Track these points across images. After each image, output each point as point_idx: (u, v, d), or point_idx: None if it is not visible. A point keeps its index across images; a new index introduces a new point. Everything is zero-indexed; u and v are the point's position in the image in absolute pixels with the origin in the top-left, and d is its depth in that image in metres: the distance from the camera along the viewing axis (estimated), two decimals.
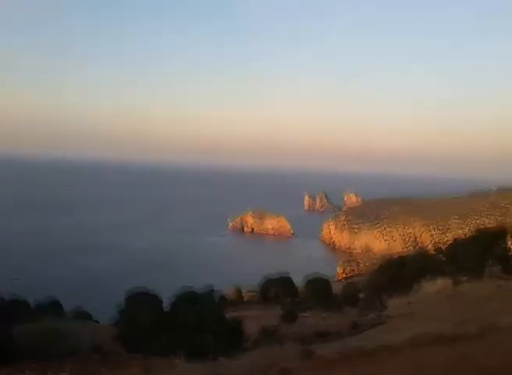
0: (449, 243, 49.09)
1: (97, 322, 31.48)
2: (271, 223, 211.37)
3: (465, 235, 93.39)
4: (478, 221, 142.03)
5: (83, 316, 31.38)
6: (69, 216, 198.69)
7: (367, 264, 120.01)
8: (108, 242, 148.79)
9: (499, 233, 34.74)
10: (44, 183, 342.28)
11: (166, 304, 29.70)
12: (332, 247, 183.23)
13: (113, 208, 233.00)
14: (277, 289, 35.45)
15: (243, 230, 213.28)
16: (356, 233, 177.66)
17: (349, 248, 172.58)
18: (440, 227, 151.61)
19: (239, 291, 54.53)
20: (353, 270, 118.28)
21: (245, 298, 51.55)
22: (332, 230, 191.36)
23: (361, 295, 28.77)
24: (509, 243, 35.09)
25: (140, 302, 25.93)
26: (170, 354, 17.90)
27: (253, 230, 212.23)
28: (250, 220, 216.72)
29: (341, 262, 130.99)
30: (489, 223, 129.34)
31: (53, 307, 30.89)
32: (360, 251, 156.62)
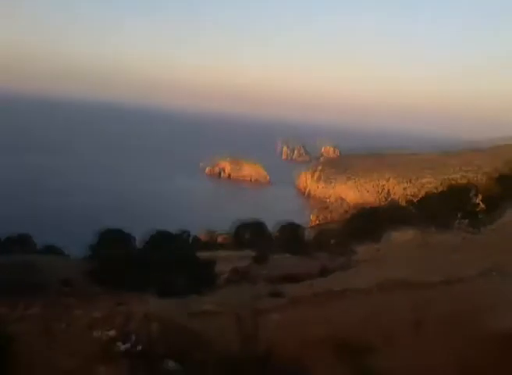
0: (420, 197, 50.22)
1: (68, 256, 31.49)
2: (248, 170, 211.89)
3: (437, 190, 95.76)
4: (450, 177, 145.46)
5: (53, 250, 31.26)
6: (43, 155, 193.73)
7: (340, 213, 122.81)
8: (81, 184, 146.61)
9: (469, 190, 35.65)
10: (33, 124, 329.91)
11: (139, 243, 29.89)
12: (307, 196, 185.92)
13: (93, 152, 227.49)
14: (250, 233, 35.99)
15: (219, 175, 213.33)
16: (331, 183, 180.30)
17: (323, 197, 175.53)
18: (413, 181, 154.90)
19: (212, 235, 55.22)
20: (326, 218, 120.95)
21: (218, 241, 52.29)
22: (308, 180, 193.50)
23: (332, 241, 29.51)
24: (477, 199, 36.13)
25: (113, 239, 26.02)
26: (142, 290, 18.14)
27: (230, 176, 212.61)
28: (227, 166, 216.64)
29: (315, 210, 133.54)
30: (461, 179, 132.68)
31: (23, 241, 30.64)
32: (333, 200, 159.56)
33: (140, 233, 31.27)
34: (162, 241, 27.21)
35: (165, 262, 20.50)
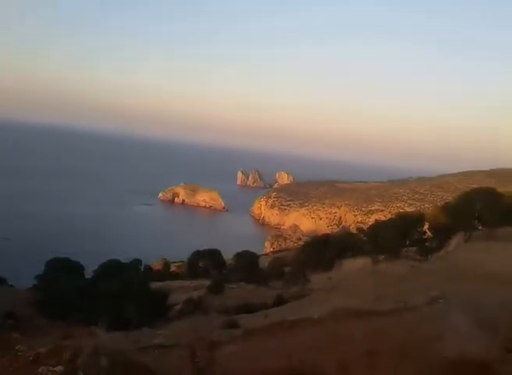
0: (370, 224, 51.65)
1: (12, 286, 29.79)
2: (203, 196, 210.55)
3: (386, 218, 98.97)
4: (398, 205, 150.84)
5: None
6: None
7: (294, 240, 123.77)
8: (33, 210, 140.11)
9: (417, 218, 37.03)
10: None
11: (89, 273, 28.76)
12: (261, 223, 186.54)
13: (44, 178, 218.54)
14: (205, 262, 35.56)
15: (173, 201, 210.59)
16: (285, 210, 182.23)
17: (278, 224, 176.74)
18: (363, 209, 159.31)
19: (166, 264, 54.05)
20: (280, 245, 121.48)
21: (173, 270, 51.21)
22: (262, 207, 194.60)
23: (287, 270, 29.65)
24: (425, 227, 37.61)
25: (61, 268, 24.89)
26: (91, 323, 17.37)
27: (184, 201, 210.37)
28: (181, 192, 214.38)
29: (270, 237, 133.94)
30: (408, 208, 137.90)
31: None
32: (288, 228, 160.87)
33: (90, 262, 30.19)
34: (113, 270, 26.34)
35: (116, 293, 19.81)
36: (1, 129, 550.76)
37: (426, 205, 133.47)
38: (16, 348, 9.26)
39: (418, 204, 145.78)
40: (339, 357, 10.45)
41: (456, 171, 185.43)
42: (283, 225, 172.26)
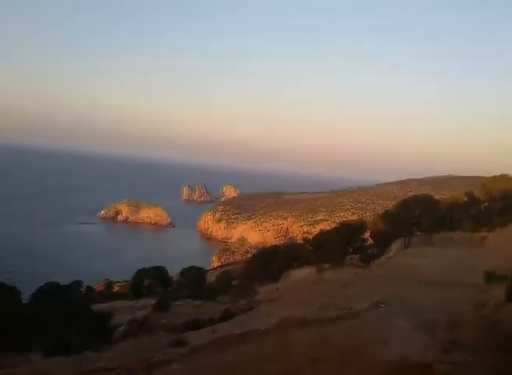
0: (316, 234, 52.79)
1: None
2: (147, 213, 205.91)
3: (330, 227, 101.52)
4: (342, 215, 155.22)
5: None
6: None
7: (242, 253, 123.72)
8: None
9: (359, 227, 38.37)
10: None
11: (26, 298, 27.23)
12: (209, 237, 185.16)
13: None
14: (150, 280, 34.69)
15: (115, 219, 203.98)
16: (232, 223, 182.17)
17: (225, 238, 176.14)
18: (309, 219, 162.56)
19: (109, 284, 52.18)
20: (228, 259, 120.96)
21: (116, 291, 49.51)
22: (209, 221, 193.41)
23: (234, 283, 29.52)
24: (367, 235, 39.03)
25: None
26: (28, 349, 16.39)
27: (127, 219, 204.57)
28: (124, 209, 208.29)
29: (217, 252, 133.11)
30: (351, 216, 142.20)
31: None
32: (235, 241, 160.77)
33: (26, 286, 28.61)
34: (51, 293, 25.11)
35: (55, 316, 18.89)
36: None
37: (368, 214, 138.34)
38: None
39: (360, 212, 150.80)
40: (284, 367, 10.54)
41: (393, 180, 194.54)
42: (231, 238, 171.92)
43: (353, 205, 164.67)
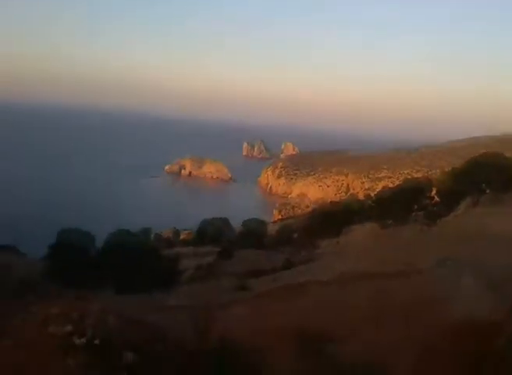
0: (378, 191, 51.51)
1: (25, 255, 30.33)
2: (209, 168, 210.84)
3: (393, 184, 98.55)
4: (406, 172, 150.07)
5: (10, 249, 29.99)
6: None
7: (301, 208, 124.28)
8: (37, 182, 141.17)
9: (424, 184, 36.85)
10: None
11: (100, 242, 29.07)
12: (269, 192, 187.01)
13: (53, 149, 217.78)
14: (214, 229, 35.83)
15: (180, 173, 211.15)
16: (292, 179, 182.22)
17: (285, 193, 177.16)
18: (371, 176, 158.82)
19: (176, 232, 54.57)
20: (288, 213, 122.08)
21: (182, 238, 51.72)
22: (269, 177, 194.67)
23: (295, 236, 29.74)
24: (433, 193, 37.46)
25: (72, 238, 25.15)
26: (101, 288, 17.64)
27: (190, 173, 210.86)
28: (188, 164, 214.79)
29: (277, 206, 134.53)
30: (416, 174, 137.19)
31: None
32: (295, 196, 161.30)
33: (100, 233, 30.46)
34: (123, 239, 26.59)
35: (126, 259, 20.04)
36: None
37: (434, 171, 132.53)
38: (30, 310, 9.42)
39: (426, 170, 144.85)
40: (346, 318, 10.51)
41: (463, 137, 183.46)
42: (290, 194, 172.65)
43: (418, 162, 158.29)
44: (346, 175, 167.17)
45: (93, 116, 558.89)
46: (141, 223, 54.83)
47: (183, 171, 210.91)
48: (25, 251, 34.44)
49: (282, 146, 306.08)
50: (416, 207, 34.18)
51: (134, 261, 20.15)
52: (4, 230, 76.23)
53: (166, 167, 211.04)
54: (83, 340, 7.35)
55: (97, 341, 7.31)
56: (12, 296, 15.04)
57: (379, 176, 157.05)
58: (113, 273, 19.69)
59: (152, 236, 38.95)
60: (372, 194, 52.31)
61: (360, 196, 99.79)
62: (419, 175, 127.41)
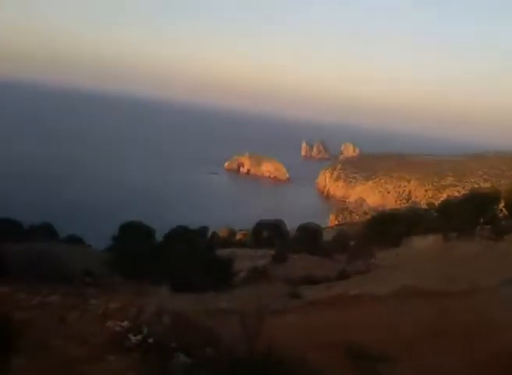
0: (442, 200, 49.38)
1: (90, 246, 31.95)
2: (267, 167, 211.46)
3: (459, 194, 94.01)
4: (473, 181, 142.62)
5: (75, 240, 31.76)
6: (62, 146, 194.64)
7: (359, 214, 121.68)
8: (98, 175, 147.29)
9: (493, 195, 34.82)
10: (40, 111, 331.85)
11: (159, 238, 30.13)
12: (326, 195, 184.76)
13: (111, 144, 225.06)
14: (269, 232, 35.95)
15: (238, 170, 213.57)
16: (351, 183, 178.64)
17: (343, 197, 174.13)
18: (435, 184, 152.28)
19: (232, 231, 55.33)
20: (345, 219, 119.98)
21: (238, 238, 52.38)
22: (327, 179, 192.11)
23: (352, 244, 29.09)
24: (501, 205, 35.27)
25: (134, 232, 26.28)
26: (160, 284, 18.20)
27: (248, 171, 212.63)
28: (246, 162, 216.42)
29: (334, 210, 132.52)
30: (484, 184, 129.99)
31: (46, 230, 31.20)
32: (353, 201, 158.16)
33: (159, 227, 31.49)
34: (182, 236, 27.38)
35: (184, 257, 20.61)
36: (55, 93, 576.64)
37: (503, 182, 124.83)
38: (91, 302, 9.89)
39: (495, 180, 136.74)
40: (402, 335, 10.13)
41: None
42: (348, 198, 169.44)
43: (486, 171, 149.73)
44: (409, 181, 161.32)
45: (165, 111, 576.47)
46: (199, 220, 56.17)
47: (241, 169, 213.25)
48: (88, 241, 36.34)
49: (342, 147, 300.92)
50: (482, 220, 32.39)
51: (191, 259, 20.68)
52: (67, 220, 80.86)
53: (226, 164, 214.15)
54: (139, 337, 7.60)
55: (151, 340, 7.53)
56: (75, 287, 15.89)
57: (444, 184, 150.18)
58: (171, 269, 20.30)
59: (209, 234, 39.69)
60: (436, 204, 50.22)
61: (423, 205, 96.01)
62: (487, 185, 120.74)
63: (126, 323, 8.03)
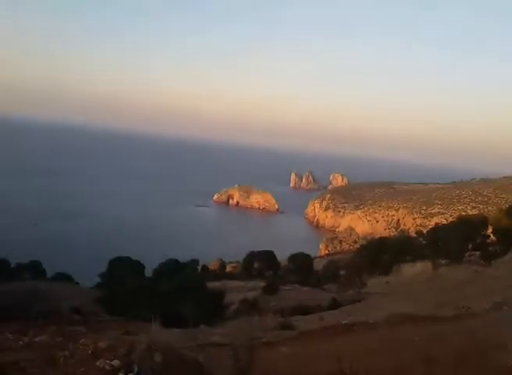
0: (431, 228, 49.79)
1: (78, 284, 31.52)
2: (256, 198, 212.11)
3: (447, 221, 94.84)
4: (460, 208, 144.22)
5: (63, 277, 31.33)
6: (56, 180, 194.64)
7: (349, 243, 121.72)
8: (86, 209, 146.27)
9: (480, 222, 35.28)
10: (33, 147, 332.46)
11: (148, 272, 29.89)
12: (315, 225, 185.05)
13: (93, 178, 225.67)
14: (260, 263, 35.79)
15: (228, 203, 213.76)
16: (340, 212, 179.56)
17: (332, 227, 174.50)
18: (423, 212, 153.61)
19: (222, 264, 54.94)
20: (335, 248, 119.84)
21: (228, 270, 51.97)
22: (316, 209, 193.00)
23: (342, 273, 29.00)
24: (488, 231, 35.70)
25: (123, 267, 26.02)
26: (150, 319, 17.92)
27: (238, 203, 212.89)
28: (236, 194, 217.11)
29: (324, 240, 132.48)
30: (471, 211, 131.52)
31: (33, 267, 30.76)
32: (343, 230, 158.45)
33: (148, 261, 31.26)
34: (172, 269, 27.16)
35: (174, 291, 20.43)
36: (55, 128, 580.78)
37: (490, 208, 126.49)
38: (80, 341, 9.78)
39: (481, 207, 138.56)
40: (394, 362, 10.14)
41: None
42: (338, 227, 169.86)
43: (473, 198, 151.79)
44: (397, 209, 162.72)
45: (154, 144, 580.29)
46: (189, 253, 55.81)
47: (231, 201, 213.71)
48: (77, 278, 35.82)
49: (331, 177, 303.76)
50: (471, 246, 32.72)
51: (182, 292, 20.50)
52: (56, 254, 79.63)
53: (215, 197, 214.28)
54: None
55: None
56: (64, 326, 15.64)
57: (432, 211, 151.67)
58: (161, 303, 20.08)
59: (199, 267, 39.38)
60: (424, 231, 50.58)
61: (412, 232, 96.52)
62: (475, 212, 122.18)
63: (116, 362, 7.96)
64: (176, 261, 28.44)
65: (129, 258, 29.83)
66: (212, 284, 27.50)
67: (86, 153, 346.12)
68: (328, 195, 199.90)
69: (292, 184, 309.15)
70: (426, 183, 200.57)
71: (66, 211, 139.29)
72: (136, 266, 27.00)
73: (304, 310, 18.32)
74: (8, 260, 29.53)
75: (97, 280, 27.81)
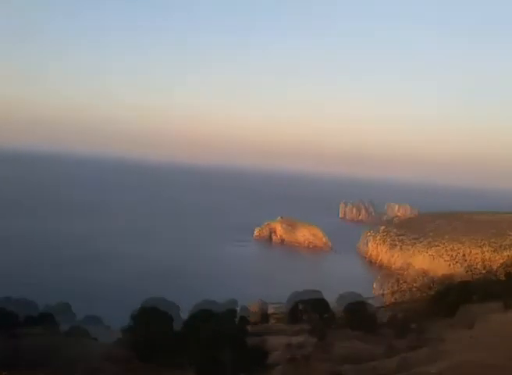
0: (502, 262, 47.21)
1: (109, 327, 32.05)
2: (302, 233, 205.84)
3: None
4: None
5: (93, 320, 31.98)
6: (72, 220, 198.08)
7: (408, 282, 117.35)
8: (120, 250, 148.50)
9: None
10: (43, 182, 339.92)
11: (184, 316, 29.96)
12: (369, 261, 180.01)
13: (122, 214, 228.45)
14: (305, 304, 34.88)
15: (270, 238, 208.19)
16: (396, 246, 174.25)
17: (388, 262, 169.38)
18: (493, 244, 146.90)
19: (264, 309, 53.84)
20: (392, 287, 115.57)
21: (271, 312, 51.09)
22: (370, 243, 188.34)
23: (413, 326, 26.38)
24: None
25: (156, 311, 26.17)
26: (184, 367, 17.89)
27: (283, 239, 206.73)
28: (279, 228, 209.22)
29: (379, 278, 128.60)
30: None
31: (63, 310, 31.57)
32: (401, 267, 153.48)
33: (183, 303, 31.38)
34: (209, 313, 27.09)
35: (211, 337, 20.29)
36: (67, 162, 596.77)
37: None
38: None
39: None
40: None
41: None
42: (394, 263, 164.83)
43: None
44: (463, 242, 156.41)
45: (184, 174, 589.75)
46: (227, 293, 55.63)
47: (273, 236, 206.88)
48: (106, 320, 36.31)
49: (386, 207, 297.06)
50: None
51: (219, 338, 20.32)
52: (85, 298, 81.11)
53: (255, 232, 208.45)
54: None
55: None
56: (97, 369, 15.85)
57: (503, 243, 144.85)
58: (197, 350, 19.97)
59: (238, 309, 39.09)
60: (495, 267, 47.93)
61: (500, 275, 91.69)
62: None
63: None
64: (213, 302, 28.42)
65: (163, 299, 30.12)
66: (253, 327, 27.10)
67: (119, 187, 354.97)
68: (383, 227, 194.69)
69: (341, 215, 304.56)
70: (495, 212, 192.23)
71: (99, 252, 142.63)
72: (170, 307, 27.15)
73: (355, 358, 17.54)
74: (36, 302, 30.46)
75: (129, 322, 28.06)
